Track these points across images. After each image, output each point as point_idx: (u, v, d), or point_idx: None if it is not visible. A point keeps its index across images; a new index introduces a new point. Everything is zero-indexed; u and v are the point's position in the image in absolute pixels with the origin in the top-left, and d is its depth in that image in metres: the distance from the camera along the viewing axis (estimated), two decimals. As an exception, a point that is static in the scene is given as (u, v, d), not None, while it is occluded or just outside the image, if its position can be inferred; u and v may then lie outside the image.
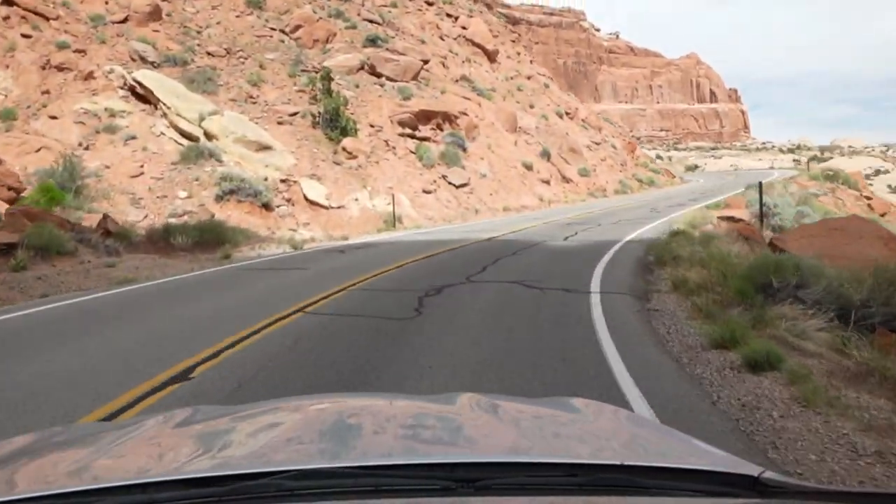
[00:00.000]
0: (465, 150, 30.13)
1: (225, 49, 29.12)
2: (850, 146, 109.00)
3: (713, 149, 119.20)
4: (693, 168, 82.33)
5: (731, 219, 16.81)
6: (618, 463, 1.17)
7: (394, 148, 27.32)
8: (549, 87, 54.16)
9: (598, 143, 48.05)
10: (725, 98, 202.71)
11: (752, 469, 1.19)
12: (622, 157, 50.81)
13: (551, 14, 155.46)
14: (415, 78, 32.72)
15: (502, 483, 1.11)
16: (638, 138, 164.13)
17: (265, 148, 23.10)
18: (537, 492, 1.12)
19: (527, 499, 1.11)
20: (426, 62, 34.85)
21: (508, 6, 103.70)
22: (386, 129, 27.97)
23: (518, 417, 1.68)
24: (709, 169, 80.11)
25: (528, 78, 51.71)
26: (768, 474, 1.16)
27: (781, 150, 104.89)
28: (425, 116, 29.56)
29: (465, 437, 1.53)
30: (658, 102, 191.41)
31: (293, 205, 21.53)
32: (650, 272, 10.44)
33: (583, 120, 51.79)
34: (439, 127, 30.18)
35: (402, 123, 28.47)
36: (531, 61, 59.37)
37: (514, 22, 61.35)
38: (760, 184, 17.08)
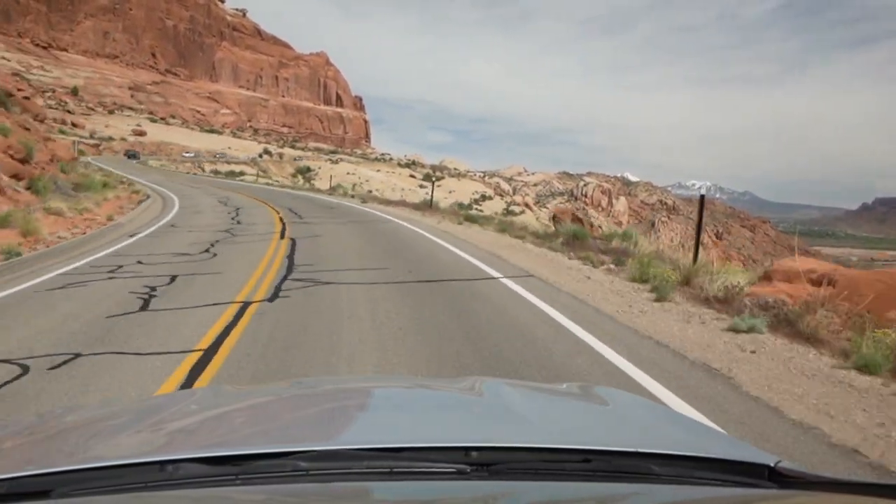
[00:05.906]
0: None
1: None
2: (455, 168, 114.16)
3: (333, 152, 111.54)
4: (305, 170, 70.02)
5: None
6: (632, 450, 1.15)
7: None
8: None
9: None
10: (351, 105, 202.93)
11: (767, 458, 1.18)
12: None
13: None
14: None
15: (516, 468, 1.11)
16: (256, 130, 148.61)
17: None
18: (551, 477, 1.10)
19: (541, 484, 1.09)
20: None
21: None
22: None
23: (534, 402, 1.67)
24: (321, 174, 68.44)
25: None
26: (784, 464, 1.16)
27: (399, 164, 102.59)
28: None
29: (481, 421, 1.48)
30: (284, 96, 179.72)
31: None
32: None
33: None
34: None
35: None
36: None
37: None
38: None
